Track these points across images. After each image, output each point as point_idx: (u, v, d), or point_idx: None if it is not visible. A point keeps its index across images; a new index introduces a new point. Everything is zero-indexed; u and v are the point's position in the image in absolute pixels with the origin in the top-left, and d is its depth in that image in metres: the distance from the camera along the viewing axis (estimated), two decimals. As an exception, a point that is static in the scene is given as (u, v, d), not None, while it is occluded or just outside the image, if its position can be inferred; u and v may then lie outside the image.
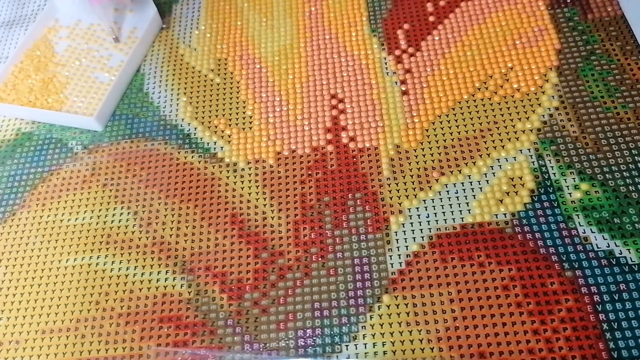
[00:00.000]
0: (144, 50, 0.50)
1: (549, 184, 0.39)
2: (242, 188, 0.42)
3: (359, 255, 0.38)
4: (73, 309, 0.38)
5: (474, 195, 0.39)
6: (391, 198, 0.40)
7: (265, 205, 0.41)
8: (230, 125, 0.45)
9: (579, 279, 0.35)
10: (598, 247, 0.36)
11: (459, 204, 0.39)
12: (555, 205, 0.38)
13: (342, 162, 0.42)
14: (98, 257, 0.40)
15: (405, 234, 0.38)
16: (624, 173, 0.38)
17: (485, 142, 0.41)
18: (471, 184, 0.40)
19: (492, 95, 0.44)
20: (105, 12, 0.48)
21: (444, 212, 0.39)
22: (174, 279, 0.38)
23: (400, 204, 0.39)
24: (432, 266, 0.37)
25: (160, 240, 0.40)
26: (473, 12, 0.48)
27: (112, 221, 0.41)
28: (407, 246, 0.38)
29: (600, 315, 0.33)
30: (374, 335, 0.35)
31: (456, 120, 0.43)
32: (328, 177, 0.41)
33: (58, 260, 0.40)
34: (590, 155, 0.39)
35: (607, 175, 0.38)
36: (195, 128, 0.45)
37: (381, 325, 0.35)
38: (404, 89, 0.45)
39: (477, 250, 0.37)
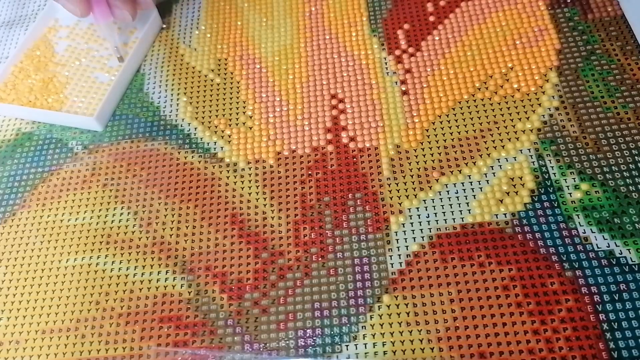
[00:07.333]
0: (144, 50, 0.50)
1: (549, 184, 0.39)
2: (242, 188, 0.42)
3: (359, 255, 0.38)
4: (73, 309, 0.38)
5: (474, 195, 0.39)
6: (391, 198, 0.40)
7: (265, 205, 0.41)
8: (230, 125, 0.45)
9: (579, 279, 0.35)
10: (598, 247, 0.36)
11: (459, 204, 0.39)
12: (556, 205, 0.38)
13: (342, 162, 0.42)
14: (98, 257, 0.40)
15: (405, 234, 0.38)
16: (624, 173, 0.38)
17: (485, 142, 0.41)
18: (471, 184, 0.40)
19: (492, 95, 0.44)
20: (110, 31, 0.47)
21: (444, 212, 0.39)
22: (174, 279, 0.38)
23: (400, 204, 0.39)
24: (432, 266, 0.37)
25: (160, 240, 0.40)
26: (473, 12, 0.48)
27: (112, 221, 0.41)
28: (407, 246, 0.38)
29: (600, 315, 0.33)
30: (374, 335, 0.35)
31: (456, 120, 0.43)
32: (328, 177, 0.41)
33: (58, 260, 0.40)
34: (591, 155, 0.39)
35: (607, 175, 0.38)
36: (196, 128, 0.45)
37: (381, 325, 0.35)
38: (404, 89, 0.45)
39: (477, 250, 0.37)
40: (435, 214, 0.39)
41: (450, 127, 0.42)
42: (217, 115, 0.46)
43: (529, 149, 0.40)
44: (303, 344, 0.35)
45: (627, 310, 0.33)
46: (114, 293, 0.38)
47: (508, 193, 0.39)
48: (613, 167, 0.39)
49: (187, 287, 0.38)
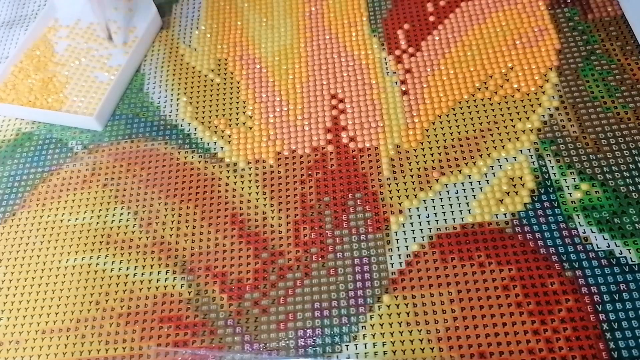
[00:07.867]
0: (143, 50, 0.50)
1: (549, 184, 0.39)
2: (242, 188, 0.42)
3: (359, 255, 0.38)
4: (73, 309, 0.38)
5: (474, 195, 0.39)
6: (391, 198, 0.40)
7: (265, 205, 0.41)
8: (230, 125, 0.45)
9: (579, 279, 0.35)
10: (598, 247, 0.36)
11: (459, 204, 0.39)
12: (556, 205, 0.38)
13: (342, 162, 0.42)
14: (98, 257, 0.40)
15: (405, 234, 0.38)
16: (624, 173, 0.38)
17: (485, 142, 0.41)
18: (471, 184, 0.40)
19: (492, 95, 0.44)
20: (100, 6, 0.46)
21: (444, 212, 0.39)
22: (174, 279, 0.38)
23: (400, 204, 0.39)
24: (432, 266, 0.37)
25: (160, 240, 0.40)
26: (473, 12, 0.48)
27: (112, 221, 0.41)
28: (407, 246, 0.38)
29: (600, 315, 0.34)
30: (374, 335, 0.35)
31: (456, 120, 0.43)
32: (328, 177, 0.41)
33: (58, 260, 0.40)
34: (591, 155, 0.39)
35: (607, 175, 0.38)
36: (196, 128, 0.45)
37: (381, 325, 0.35)
38: (404, 89, 0.45)
39: (477, 250, 0.37)
40: (435, 214, 0.39)
41: (450, 127, 0.42)
42: (217, 115, 0.46)
43: (529, 149, 0.40)
44: (303, 344, 0.35)
45: (627, 310, 0.33)
46: (114, 293, 0.38)
47: (508, 193, 0.39)
48: (613, 167, 0.39)
49: (187, 287, 0.38)
